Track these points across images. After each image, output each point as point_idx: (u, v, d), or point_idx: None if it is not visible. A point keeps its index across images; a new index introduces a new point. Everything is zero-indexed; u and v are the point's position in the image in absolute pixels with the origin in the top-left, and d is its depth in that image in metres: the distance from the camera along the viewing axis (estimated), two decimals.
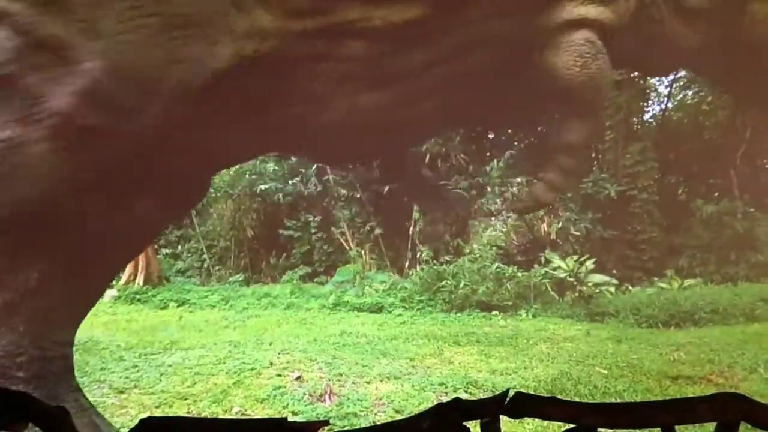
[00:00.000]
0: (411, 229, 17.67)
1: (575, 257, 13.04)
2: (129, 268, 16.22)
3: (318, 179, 18.19)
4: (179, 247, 22.12)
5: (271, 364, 7.13)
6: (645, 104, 18.52)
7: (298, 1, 3.16)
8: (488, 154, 18.53)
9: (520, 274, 12.80)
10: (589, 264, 12.67)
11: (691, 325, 9.69)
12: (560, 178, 4.22)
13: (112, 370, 7.01)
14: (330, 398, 5.77)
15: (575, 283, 12.32)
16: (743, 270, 13.15)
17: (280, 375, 6.60)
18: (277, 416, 4.53)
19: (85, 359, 7.74)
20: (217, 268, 20.05)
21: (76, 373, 6.77)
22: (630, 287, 12.95)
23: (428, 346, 8.50)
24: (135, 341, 9.13)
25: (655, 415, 1.10)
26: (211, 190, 21.87)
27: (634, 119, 17.09)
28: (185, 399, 5.83)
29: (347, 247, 17.69)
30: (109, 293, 14.97)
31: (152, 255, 16.63)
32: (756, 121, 16.83)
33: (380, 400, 5.71)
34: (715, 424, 1.05)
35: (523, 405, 1.10)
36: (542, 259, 13.82)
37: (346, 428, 4.82)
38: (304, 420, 4.77)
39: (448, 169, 17.86)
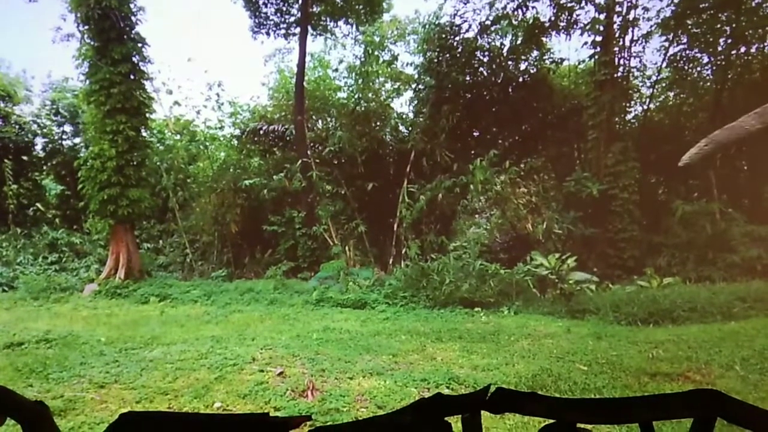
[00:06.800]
0: (395, 225, 17.70)
1: (557, 255, 13.16)
2: (110, 262, 16.05)
3: (302, 175, 18.11)
4: (161, 241, 21.95)
5: (254, 359, 7.11)
6: (627, 104, 18.73)
7: None
8: (472, 152, 18.60)
9: (502, 272, 12.88)
10: (571, 262, 12.79)
11: (670, 322, 9.84)
12: None
13: (92, 365, 6.93)
14: (312, 394, 5.76)
15: (557, 280, 12.43)
16: (720, 269, 13.38)
17: (262, 370, 6.58)
18: (259, 412, 4.52)
19: (65, 354, 7.66)
20: (199, 263, 19.91)
21: (56, 368, 6.72)
22: (610, 285, 13.09)
23: (411, 342, 8.53)
24: (115, 336, 9.04)
25: (634, 411, 1.11)
26: (194, 185, 21.80)
27: (617, 119, 17.29)
28: (166, 394, 5.78)
29: (331, 243, 17.66)
30: (90, 287, 14.80)
31: (134, 249, 16.45)
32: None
33: (362, 395, 5.72)
34: (691, 420, 1.07)
35: (504, 400, 1.11)
36: (527, 258, 13.93)
37: (328, 423, 4.81)
38: (287, 415, 4.76)
39: (433, 167, 17.90)
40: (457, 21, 18.83)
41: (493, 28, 18.86)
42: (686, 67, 19.15)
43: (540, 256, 13.51)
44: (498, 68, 19.52)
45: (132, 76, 15.96)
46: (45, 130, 24.53)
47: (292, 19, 20.99)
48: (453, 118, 17.98)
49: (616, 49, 16.60)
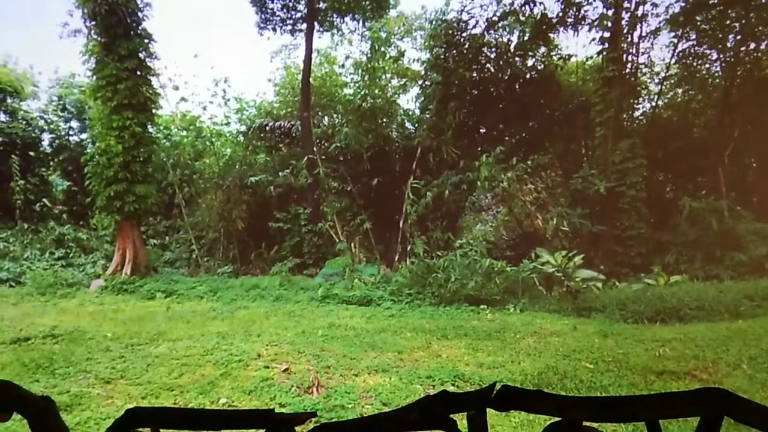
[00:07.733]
0: (401, 222, 17.68)
1: (563, 252, 13.10)
2: (116, 258, 16.11)
3: (308, 171, 18.12)
4: (167, 237, 22.04)
5: (259, 355, 7.13)
6: (635, 101, 18.61)
7: None
8: (479, 149, 18.55)
9: (508, 269, 12.83)
10: (577, 259, 12.72)
11: (677, 321, 9.78)
12: None
13: (99, 360, 6.97)
14: (318, 390, 5.77)
15: (563, 278, 12.37)
16: (728, 267, 13.29)
17: (267, 367, 6.59)
18: (264, 408, 4.52)
19: (71, 349, 7.70)
20: (205, 259, 19.97)
21: (62, 363, 6.76)
22: (617, 283, 13.03)
23: (416, 339, 8.53)
24: (122, 331, 9.08)
25: (640, 410, 1.10)
26: (200, 181, 21.86)
27: (624, 116, 17.19)
28: (172, 390, 5.81)
29: (337, 240, 17.67)
30: (96, 283, 14.87)
31: (140, 245, 16.52)
32: (744, 120, 17.01)
33: (368, 392, 5.72)
34: (698, 418, 1.06)
35: (510, 398, 1.10)
36: (532, 255, 13.89)
37: (333, 420, 4.82)
38: (292, 412, 4.77)
39: (439, 164, 17.86)
40: (464, 17, 18.78)
41: (500, 24, 18.80)
42: (695, 64, 19.02)
43: (546, 253, 13.44)
44: (505, 64, 19.45)
45: (138, 72, 16.00)
46: (52, 126, 24.64)
47: (299, 15, 20.99)
48: (459, 114, 17.94)
49: (624, 45, 16.50)
